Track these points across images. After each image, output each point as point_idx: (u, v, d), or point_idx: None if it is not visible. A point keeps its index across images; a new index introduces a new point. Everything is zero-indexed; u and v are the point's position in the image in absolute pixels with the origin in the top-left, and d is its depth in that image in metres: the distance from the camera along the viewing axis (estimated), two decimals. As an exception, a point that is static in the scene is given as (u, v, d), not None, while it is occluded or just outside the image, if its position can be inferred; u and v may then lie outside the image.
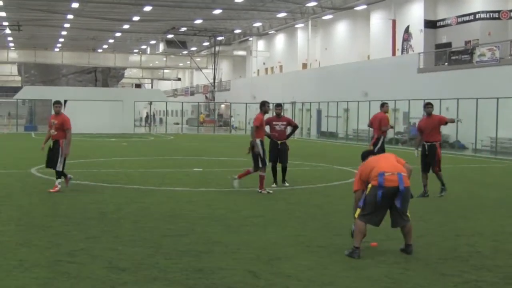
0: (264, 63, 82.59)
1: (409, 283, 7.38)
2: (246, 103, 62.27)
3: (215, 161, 25.58)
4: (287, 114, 57.82)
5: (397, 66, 48.68)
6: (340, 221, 11.37)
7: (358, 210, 8.71)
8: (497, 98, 33.06)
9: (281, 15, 67.88)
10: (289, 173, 17.38)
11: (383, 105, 18.72)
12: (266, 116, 16.40)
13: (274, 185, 16.61)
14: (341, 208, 12.87)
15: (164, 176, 19.49)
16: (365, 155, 9.46)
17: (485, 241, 9.92)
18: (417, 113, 41.18)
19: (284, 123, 17.01)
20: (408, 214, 8.86)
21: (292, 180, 17.48)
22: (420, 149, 15.90)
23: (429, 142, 15.57)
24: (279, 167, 16.93)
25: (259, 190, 15.49)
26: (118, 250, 8.88)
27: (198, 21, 72.05)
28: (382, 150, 17.23)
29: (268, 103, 16.30)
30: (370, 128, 20.23)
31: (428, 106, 15.94)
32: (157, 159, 26.69)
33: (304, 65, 69.42)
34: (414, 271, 7.93)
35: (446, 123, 16.24)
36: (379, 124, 18.08)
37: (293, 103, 61.17)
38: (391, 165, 8.80)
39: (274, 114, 17.34)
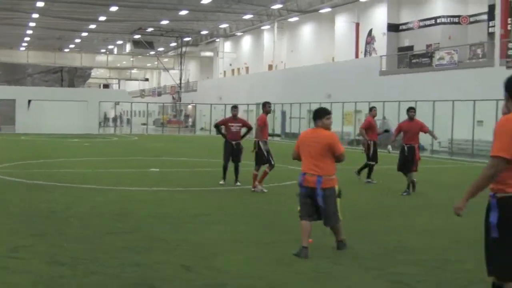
0: (230, 64, 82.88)
1: (333, 276, 7.78)
2: (211, 104, 62.48)
3: (175, 162, 25.86)
4: (252, 115, 58.32)
5: (359, 69, 49.32)
6: (284, 219, 11.73)
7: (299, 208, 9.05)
8: (453, 101, 33.75)
9: (247, 17, 68.30)
10: (245, 173, 17.72)
11: (371, 109, 19.14)
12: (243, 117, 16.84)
13: (222, 181, 17.23)
14: (289, 207, 13.19)
15: (121, 176, 19.76)
16: (317, 115, 9.23)
17: (418, 237, 10.37)
18: (378, 115, 41.88)
19: (240, 124, 17.44)
20: (339, 215, 9.04)
21: (247, 179, 17.80)
22: (391, 145, 17.55)
23: (409, 144, 16.36)
24: (232, 166, 17.33)
25: (253, 189, 16.08)
26: (63, 247, 9.14)
27: (165, 22, 72.24)
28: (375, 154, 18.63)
29: (270, 103, 16.63)
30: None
31: (410, 111, 16.69)
32: (117, 159, 26.88)
33: (270, 67, 69.84)
34: (342, 265, 8.32)
35: (426, 132, 17.08)
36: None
37: (258, 104, 61.47)
38: (313, 166, 8.89)
39: (231, 115, 17.77)
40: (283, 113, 57.46)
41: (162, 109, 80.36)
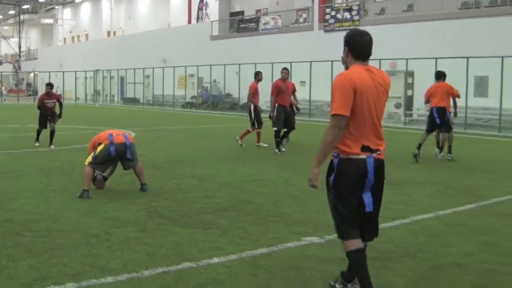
0: (70, 32, 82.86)
1: (102, 209, 9.58)
2: (49, 72, 62.36)
3: (2, 128, 26.90)
4: (91, 81, 59.14)
5: (192, 34, 51.31)
6: (79, 171, 13.44)
7: (90, 159, 10.90)
8: (272, 63, 36.19)
9: (84, -17, 68.57)
10: (65, 136, 19.39)
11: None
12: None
13: (37, 143, 19.16)
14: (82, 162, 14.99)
15: None
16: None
17: (193, 182, 12.46)
18: (207, 79, 44.23)
19: (54, 100, 19.28)
20: (137, 157, 11.35)
21: (63, 141, 19.67)
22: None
23: (290, 105, 18.07)
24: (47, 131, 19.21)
25: (239, 141, 19.21)
26: None
27: (1, -11, 71.32)
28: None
29: (261, 72, 19.45)
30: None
31: (283, 71, 17.98)
32: None
33: (109, 33, 70.53)
34: (115, 202, 10.13)
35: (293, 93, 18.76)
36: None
37: (96, 71, 62.24)
38: (117, 131, 11.23)
39: (45, 92, 19.50)
40: (121, 79, 58.65)
41: (0, 77, 79.29)
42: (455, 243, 7.79)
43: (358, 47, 5.31)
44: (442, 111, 16.19)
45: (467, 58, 27.36)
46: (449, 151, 16.34)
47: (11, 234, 7.98)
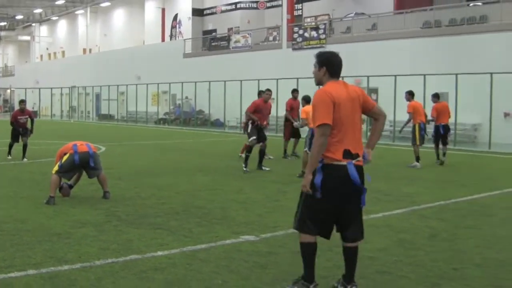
0: (47, 48, 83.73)
1: (66, 213, 10.61)
2: (26, 88, 62.92)
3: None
4: (67, 97, 59.89)
5: (165, 52, 52.40)
6: (47, 181, 14.45)
7: (56, 168, 11.94)
8: (241, 81, 37.32)
9: (60, 2, 69.44)
10: (38, 150, 20.44)
11: (261, 92, 20.29)
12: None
13: (9, 157, 20.08)
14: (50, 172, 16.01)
15: None
16: None
17: (154, 191, 13.53)
18: (179, 95, 45.30)
19: (26, 116, 20.23)
20: (101, 166, 12.38)
21: (36, 155, 20.65)
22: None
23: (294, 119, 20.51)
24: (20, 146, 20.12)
25: (240, 154, 20.25)
26: None
27: (-23, 7, 72.10)
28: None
29: (267, 91, 18.58)
30: None
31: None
32: None
33: (85, 50, 71.45)
34: (78, 208, 11.18)
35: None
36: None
37: (71, 88, 63.07)
38: (81, 142, 12.35)
39: (19, 108, 20.54)
40: (97, 95, 59.55)
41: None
42: (374, 240, 8.86)
43: (335, 66, 6.08)
44: (447, 128, 20.32)
45: (424, 75, 28.65)
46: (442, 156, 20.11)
47: (-19, 234, 8.98)
